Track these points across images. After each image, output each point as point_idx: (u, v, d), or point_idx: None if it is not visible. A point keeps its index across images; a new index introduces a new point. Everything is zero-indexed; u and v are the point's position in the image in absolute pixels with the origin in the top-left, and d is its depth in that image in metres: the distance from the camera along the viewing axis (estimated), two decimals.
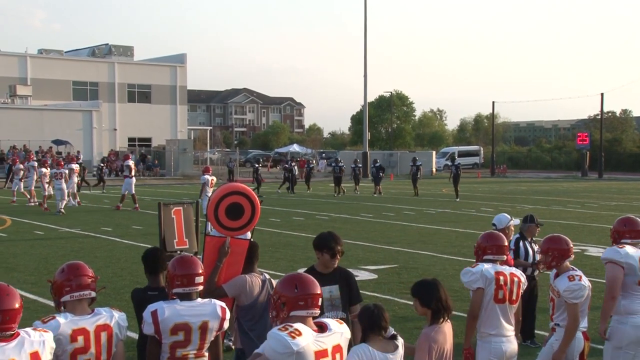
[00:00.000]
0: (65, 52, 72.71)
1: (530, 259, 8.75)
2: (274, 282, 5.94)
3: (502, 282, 5.65)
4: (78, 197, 28.27)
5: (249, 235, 6.19)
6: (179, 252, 6.94)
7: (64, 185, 24.60)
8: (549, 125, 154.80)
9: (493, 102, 66.81)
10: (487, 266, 5.71)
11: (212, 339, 4.68)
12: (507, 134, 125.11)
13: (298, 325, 3.85)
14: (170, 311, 4.54)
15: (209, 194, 19.67)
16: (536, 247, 8.66)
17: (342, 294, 5.60)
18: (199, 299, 4.68)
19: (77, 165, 29.69)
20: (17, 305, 3.67)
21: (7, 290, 3.69)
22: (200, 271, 4.72)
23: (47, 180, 26.37)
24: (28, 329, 3.80)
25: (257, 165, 39.28)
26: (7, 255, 15.33)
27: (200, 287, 4.71)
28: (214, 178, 22.13)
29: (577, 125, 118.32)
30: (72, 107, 58.03)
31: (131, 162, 27.01)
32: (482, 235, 6.04)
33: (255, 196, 6.10)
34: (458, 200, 29.99)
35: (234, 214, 5.97)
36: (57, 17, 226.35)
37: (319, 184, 45.06)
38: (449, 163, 32.44)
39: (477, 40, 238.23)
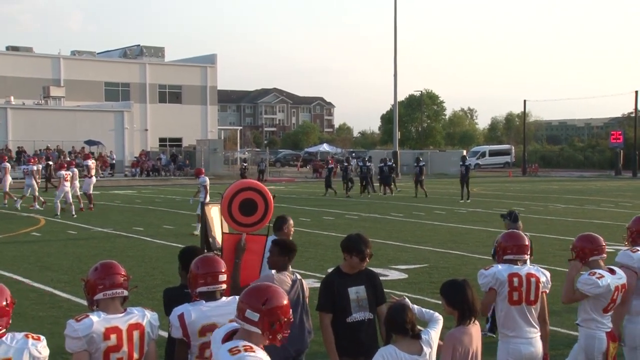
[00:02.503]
0: (98, 53, 73.50)
1: None
2: (304, 282, 5.95)
3: (515, 284, 5.54)
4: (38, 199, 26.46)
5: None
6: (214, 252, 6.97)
7: (68, 187, 24.08)
8: (581, 123, 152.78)
9: (525, 101, 66.41)
10: (500, 267, 5.62)
11: None
12: (539, 133, 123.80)
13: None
14: (197, 313, 4.53)
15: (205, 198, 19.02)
16: None
17: (368, 295, 5.56)
18: (224, 298, 4.67)
19: (37, 167, 28.22)
20: None
21: None
22: (224, 270, 4.72)
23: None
24: (18, 335, 3.69)
25: (347, 165, 35.95)
26: (41, 255, 15.56)
27: (224, 286, 4.69)
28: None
29: (611, 123, 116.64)
30: (104, 108, 58.71)
31: (90, 162, 26.44)
32: (502, 234, 5.99)
33: (268, 191, 6.09)
34: (469, 200, 29.43)
35: (248, 210, 5.96)
36: (90, 19, 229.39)
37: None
38: (460, 163, 31.70)
39: (508, 38, 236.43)
